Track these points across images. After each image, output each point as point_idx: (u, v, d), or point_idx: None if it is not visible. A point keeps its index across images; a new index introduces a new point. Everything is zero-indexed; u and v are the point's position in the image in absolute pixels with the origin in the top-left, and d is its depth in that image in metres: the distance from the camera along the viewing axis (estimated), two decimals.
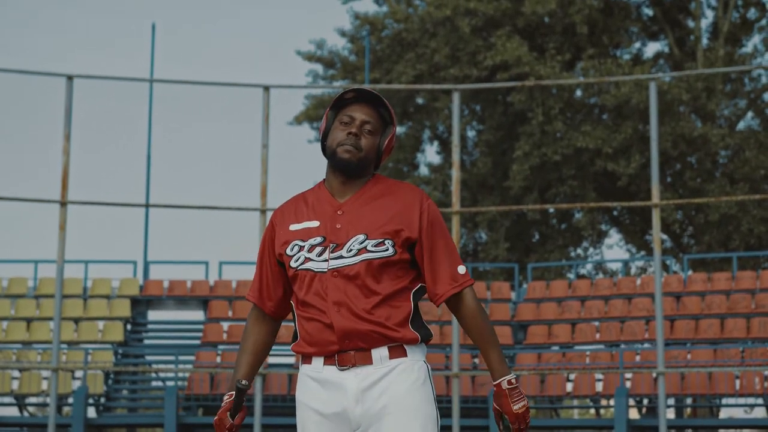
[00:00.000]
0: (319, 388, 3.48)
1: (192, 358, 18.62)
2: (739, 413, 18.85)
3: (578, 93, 27.32)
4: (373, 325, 3.43)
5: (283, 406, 17.34)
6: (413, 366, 3.48)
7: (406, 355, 3.48)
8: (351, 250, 3.46)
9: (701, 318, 18.35)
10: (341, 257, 3.46)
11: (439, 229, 3.54)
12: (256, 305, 3.65)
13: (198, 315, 20.53)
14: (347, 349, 3.44)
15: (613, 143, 25.52)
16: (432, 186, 27.89)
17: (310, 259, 3.49)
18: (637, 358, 17.87)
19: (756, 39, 28.76)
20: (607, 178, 26.90)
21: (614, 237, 40.77)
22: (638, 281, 19.93)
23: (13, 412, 18.68)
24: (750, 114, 28.35)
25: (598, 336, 18.85)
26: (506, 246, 26.84)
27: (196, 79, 12.83)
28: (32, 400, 18.61)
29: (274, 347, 3.84)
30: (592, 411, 19.63)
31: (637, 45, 29.77)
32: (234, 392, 3.56)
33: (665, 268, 21.82)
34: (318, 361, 3.49)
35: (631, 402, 17.64)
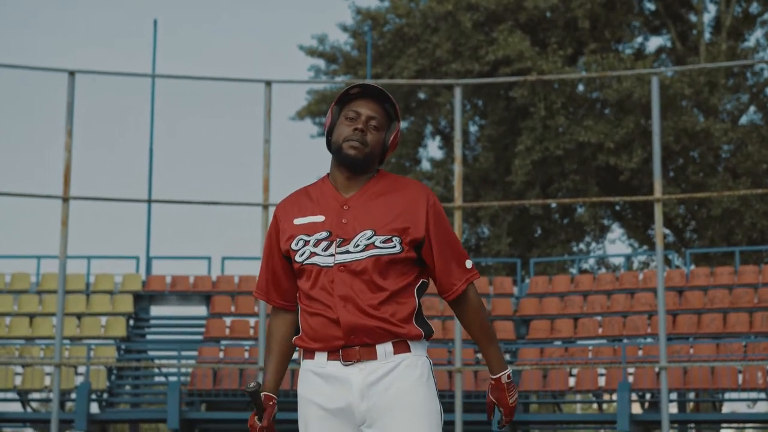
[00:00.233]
0: (323, 383, 3.48)
1: (195, 353, 18.62)
2: (741, 408, 18.86)
3: (580, 88, 27.30)
4: (379, 321, 3.43)
5: (285, 401, 17.33)
6: (417, 362, 3.49)
7: (410, 351, 3.49)
8: (358, 245, 3.47)
9: (704, 312, 18.35)
10: (348, 252, 3.46)
11: (444, 225, 3.56)
12: (266, 301, 3.65)
13: (201, 310, 20.54)
14: (352, 345, 3.45)
15: (615, 138, 25.50)
16: (434, 181, 27.88)
17: (316, 254, 3.49)
18: (640, 352, 17.86)
19: (758, 33, 28.74)
20: (609, 173, 26.88)
21: (617, 232, 40.85)
22: (641, 276, 19.92)
23: (16, 407, 18.69)
24: (752, 108, 28.32)
25: (600, 331, 18.84)
26: (508, 241, 26.84)
27: (197, 74, 12.82)
28: (35, 395, 18.62)
29: None
30: (595, 406, 19.63)
31: (640, 39, 29.73)
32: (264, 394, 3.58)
33: (668, 262, 21.81)
34: (321, 356, 3.49)
35: (634, 396, 17.63)
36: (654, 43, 59.54)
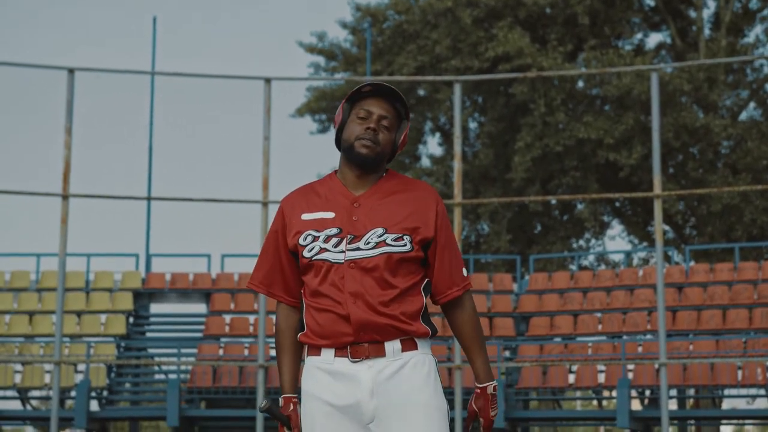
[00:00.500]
0: (331, 380, 3.47)
1: (194, 350, 18.62)
2: (741, 404, 18.88)
3: (580, 84, 27.29)
4: (389, 319, 3.44)
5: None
6: (425, 359, 3.52)
7: (417, 349, 3.51)
8: (369, 242, 3.48)
9: (703, 309, 18.35)
10: (359, 249, 3.47)
11: (449, 229, 3.60)
12: (267, 295, 3.63)
13: (200, 308, 20.54)
14: (361, 341, 3.45)
15: (614, 134, 25.50)
16: (434, 177, 27.88)
17: (326, 250, 3.48)
18: (639, 349, 17.86)
19: (758, 29, 28.63)
20: (609, 169, 26.88)
21: (616, 228, 40.82)
22: (640, 272, 19.92)
23: (15, 405, 18.69)
24: (752, 104, 28.31)
25: (600, 327, 18.84)
26: (508, 237, 26.84)
27: (197, 72, 12.81)
28: (35, 393, 18.63)
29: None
30: (595, 402, 19.64)
31: (639, 36, 29.72)
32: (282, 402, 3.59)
33: (667, 259, 21.77)
34: (328, 353, 3.48)
35: (634, 393, 17.64)
36: (654, 39, 59.61)
